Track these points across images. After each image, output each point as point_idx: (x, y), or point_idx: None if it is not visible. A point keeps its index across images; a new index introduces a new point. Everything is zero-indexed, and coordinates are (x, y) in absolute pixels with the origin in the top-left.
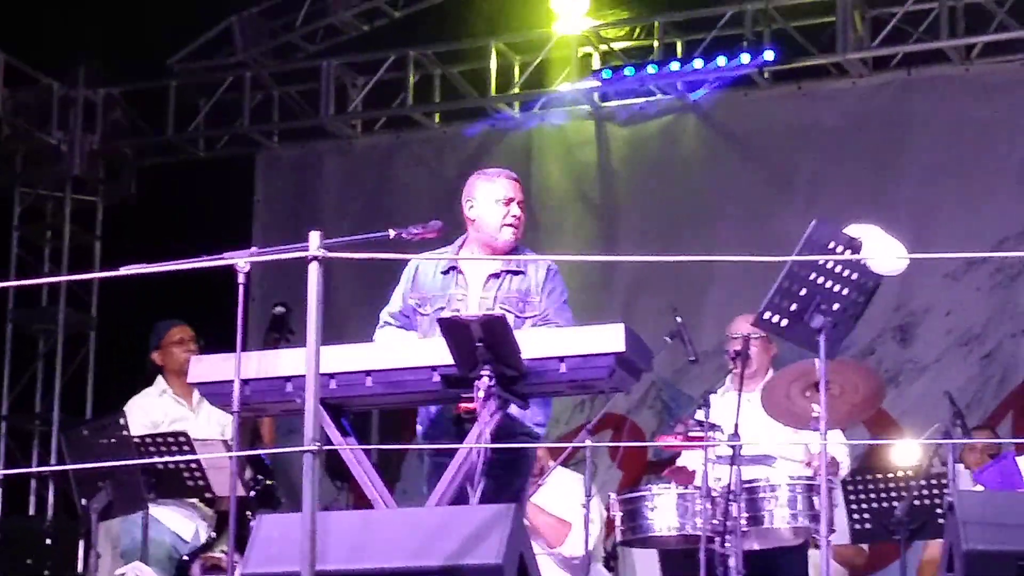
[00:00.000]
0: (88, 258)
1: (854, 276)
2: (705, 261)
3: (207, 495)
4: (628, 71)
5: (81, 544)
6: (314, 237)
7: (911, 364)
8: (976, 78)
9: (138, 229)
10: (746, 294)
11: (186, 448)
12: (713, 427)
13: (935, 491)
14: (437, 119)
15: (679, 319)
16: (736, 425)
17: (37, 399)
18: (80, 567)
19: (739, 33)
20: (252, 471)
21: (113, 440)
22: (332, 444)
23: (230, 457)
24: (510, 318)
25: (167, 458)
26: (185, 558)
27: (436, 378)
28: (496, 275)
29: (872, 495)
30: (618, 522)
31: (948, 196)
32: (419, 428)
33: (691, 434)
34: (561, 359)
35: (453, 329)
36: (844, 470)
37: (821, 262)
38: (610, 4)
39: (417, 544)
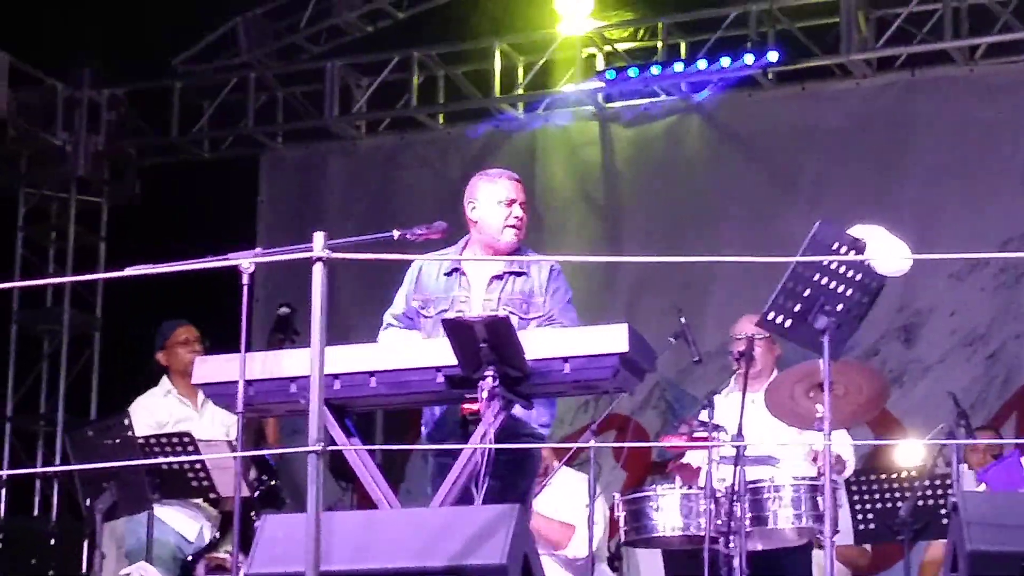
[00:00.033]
0: (92, 259)
1: (858, 277)
2: (709, 262)
3: (211, 495)
4: (632, 72)
5: (86, 544)
6: (318, 238)
7: (915, 364)
8: (980, 79)
9: (142, 230)
10: (750, 295)
11: (190, 448)
12: (717, 428)
13: (939, 492)
14: (441, 120)
15: (683, 319)
16: (740, 426)
17: (42, 400)
18: (85, 567)
19: (743, 34)
20: (256, 471)
21: (118, 441)
22: (336, 445)
23: (234, 457)
24: (514, 319)
25: (171, 458)
26: (189, 558)
27: (440, 379)
28: (499, 276)
29: (876, 495)
30: (622, 522)
31: (952, 197)
32: (423, 429)
33: (695, 435)
34: (565, 360)
35: (457, 330)
36: (850, 468)
37: (825, 263)
38: (614, 5)
39: (421, 544)
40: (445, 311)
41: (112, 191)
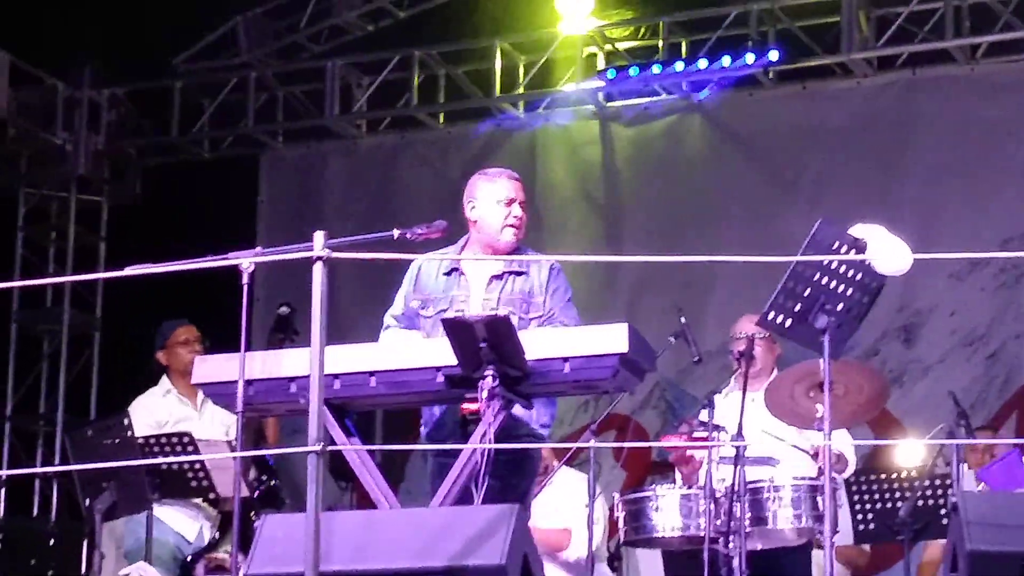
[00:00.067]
0: (92, 258)
1: (858, 276)
2: (709, 262)
3: (211, 495)
4: (633, 71)
5: (85, 544)
6: (318, 237)
7: (915, 364)
8: (981, 78)
9: (142, 230)
10: (750, 294)
11: (190, 448)
12: (717, 428)
13: (939, 491)
14: (441, 119)
15: (683, 319)
16: (740, 425)
17: (41, 400)
18: (84, 568)
19: (744, 33)
20: (256, 471)
21: (117, 441)
22: (336, 444)
23: (234, 457)
24: (514, 319)
25: (171, 459)
26: (189, 558)
27: (440, 378)
28: (499, 276)
29: (876, 495)
30: (622, 522)
31: (953, 196)
32: (423, 428)
33: (695, 435)
34: (565, 359)
35: (457, 329)
36: (851, 467)
37: (825, 262)
38: (615, 4)
39: (421, 544)
40: (444, 311)
41: (112, 191)
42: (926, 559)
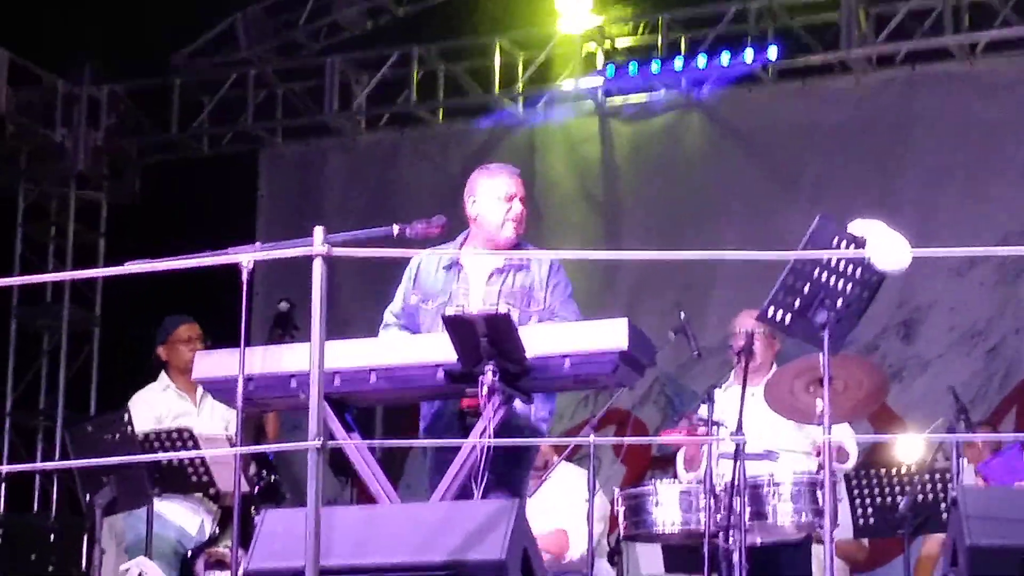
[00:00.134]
0: (92, 255)
1: (858, 272)
2: (708, 258)
3: (211, 491)
4: (632, 68)
5: (85, 540)
6: (318, 233)
7: (915, 360)
8: (980, 75)
9: (142, 226)
10: (750, 290)
11: (190, 444)
12: (716, 424)
13: (939, 486)
14: (441, 116)
15: (683, 314)
16: (740, 420)
17: (41, 396)
18: (84, 563)
19: (743, 30)
20: (256, 467)
21: (117, 436)
22: (336, 440)
23: (234, 453)
24: (515, 313)
25: (171, 454)
26: (189, 553)
27: (440, 374)
28: (500, 270)
29: (875, 490)
30: (622, 517)
31: (952, 192)
32: (422, 424)
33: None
34: (565, 355)
35: (457, 325)
36: (853, 459)
37: (825, 258)
38: (614, 1)
39: (421, 539)
40: (444, 306)
41: (111, 187)
42: (924, 553)
